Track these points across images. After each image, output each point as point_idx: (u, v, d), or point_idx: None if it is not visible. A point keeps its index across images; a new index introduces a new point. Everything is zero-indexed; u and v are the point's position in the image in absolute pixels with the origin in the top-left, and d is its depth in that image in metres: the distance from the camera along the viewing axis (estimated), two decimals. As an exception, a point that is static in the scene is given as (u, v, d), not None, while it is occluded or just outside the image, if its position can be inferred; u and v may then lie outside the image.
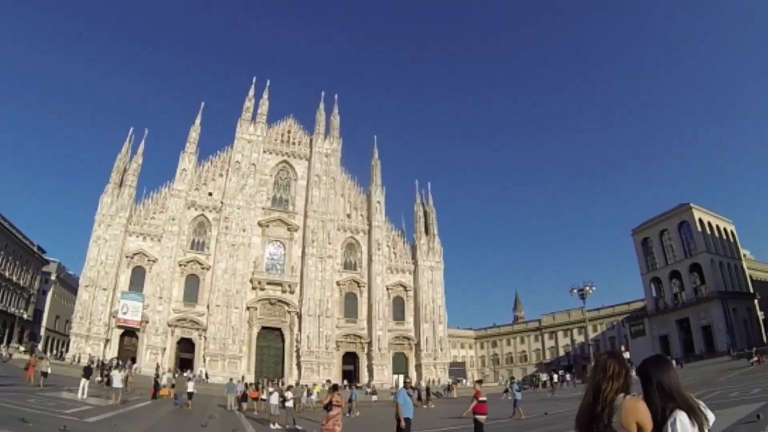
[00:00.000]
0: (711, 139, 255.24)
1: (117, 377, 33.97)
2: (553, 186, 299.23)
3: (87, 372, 35.86)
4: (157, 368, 66.27)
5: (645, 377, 3.81)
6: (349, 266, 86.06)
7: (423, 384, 75.89)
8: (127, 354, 74.47)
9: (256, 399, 41.34)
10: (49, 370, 36.82)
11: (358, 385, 76.96)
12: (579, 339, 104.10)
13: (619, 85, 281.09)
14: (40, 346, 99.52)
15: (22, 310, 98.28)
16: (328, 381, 56.64)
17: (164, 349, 74.94)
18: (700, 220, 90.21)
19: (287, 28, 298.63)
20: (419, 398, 49.17)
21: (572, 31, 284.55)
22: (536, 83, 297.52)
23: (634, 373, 3.97)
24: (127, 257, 78.03)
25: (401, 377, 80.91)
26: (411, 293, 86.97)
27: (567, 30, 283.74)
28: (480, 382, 23.93)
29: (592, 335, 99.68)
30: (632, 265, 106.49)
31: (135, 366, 69.04)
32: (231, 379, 47.45)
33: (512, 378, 71.13)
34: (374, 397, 55.78)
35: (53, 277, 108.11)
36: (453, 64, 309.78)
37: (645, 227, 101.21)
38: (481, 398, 19.39)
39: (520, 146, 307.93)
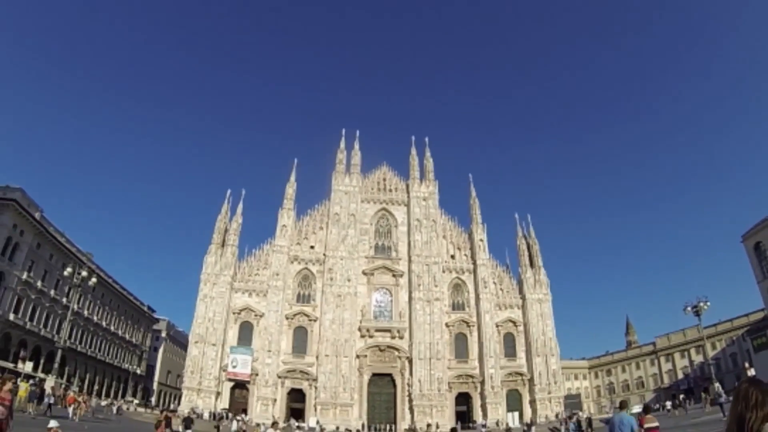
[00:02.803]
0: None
1: None
2: (654, 202, 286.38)
3: (188, 423, 35.47)
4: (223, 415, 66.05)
5: None
6: (456, 307, 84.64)
7: (539, 418, 73.54)
8: (239, 405, 76.14)
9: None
10: (181, 429, 34.90)
11: (474, 425, 75.13)
12: (698, 359, 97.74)
13: (712, 83, 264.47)
14: (153, 400, 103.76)
15: (135, 366, 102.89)
16: (429, 425, 56.14)
17: (275, 400, 75.97)
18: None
19: (368, 77, 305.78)
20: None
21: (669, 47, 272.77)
22: (622, 107, 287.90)
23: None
24: (234, 313, 79.98)
25: (515, 414, 78.74)
26: (521, 328, 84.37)
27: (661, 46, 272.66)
28: (647, 409, 20.99)
29: (711, 354, 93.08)
30: (747, 273, 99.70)
31: (247, 417, 70.28)
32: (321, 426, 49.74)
33: (573, 413, 67.97)
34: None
35: (163, 335, 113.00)
36: (541, 97, 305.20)
37: (756, 230, 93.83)
38: (647, 425, 17.28)
39: (616, 167, 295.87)
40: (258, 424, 61.75)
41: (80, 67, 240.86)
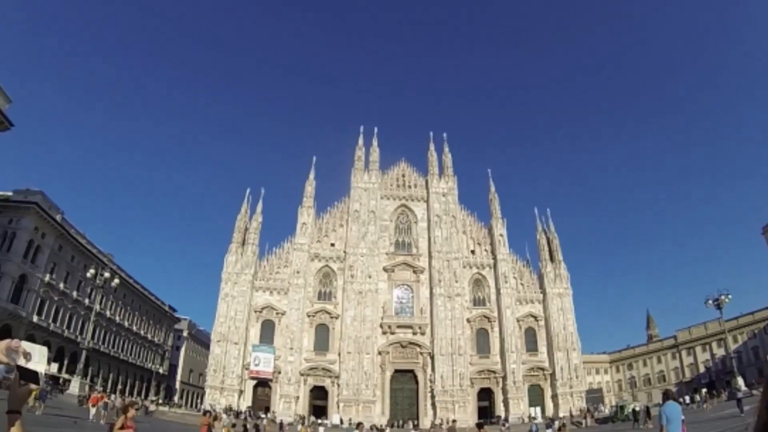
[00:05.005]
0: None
1: None
2: (675, 194, 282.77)
3: None
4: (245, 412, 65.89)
5: None
6: (477, 302, 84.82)
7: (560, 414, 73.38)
8: (261, 403, 76.72)
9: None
10: None
11: (495, 419, 75.08)
12: (719, 352, 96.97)
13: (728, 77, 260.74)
14: (175, 399, 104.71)
15: (158, 366, 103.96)
16: (454, 421, 55.99)
17: (297, 397, 76.34)
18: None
19: (386, 74, 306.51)
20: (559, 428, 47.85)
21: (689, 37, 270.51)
22: (643, 103, 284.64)
23: None
24: (255, 311, 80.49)
25: (538, 409, 78.66)
26: (542, 323, 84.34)
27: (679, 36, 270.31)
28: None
29: (733, 347, 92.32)
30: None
31: (270, 415, 70.67)
32: (350, 423, 51.43)
33: (533, 418, 67.89)
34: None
35: (185, 334, 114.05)
36: (561, 89, 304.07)
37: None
38: None
39: (637, 161, 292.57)
40: (290, 423, 61.14)
41: (98, 61, 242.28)
